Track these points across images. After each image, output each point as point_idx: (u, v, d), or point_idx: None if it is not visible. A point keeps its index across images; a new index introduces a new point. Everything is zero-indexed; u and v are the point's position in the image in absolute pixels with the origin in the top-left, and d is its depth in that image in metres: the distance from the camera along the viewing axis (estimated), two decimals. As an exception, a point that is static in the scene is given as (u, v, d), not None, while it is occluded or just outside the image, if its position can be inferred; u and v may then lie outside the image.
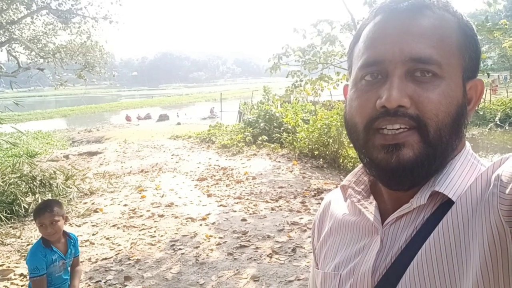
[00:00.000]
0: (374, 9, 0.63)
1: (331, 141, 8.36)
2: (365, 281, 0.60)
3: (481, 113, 15.90)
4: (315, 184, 6.79)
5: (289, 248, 4.06)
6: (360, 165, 0.70)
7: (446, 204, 0.57)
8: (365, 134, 0.60)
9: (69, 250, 2.50)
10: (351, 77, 0.64)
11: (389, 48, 0.57)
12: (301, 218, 4.91)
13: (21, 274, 3.75)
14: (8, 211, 5.33)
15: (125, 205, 5.91)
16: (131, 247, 4.34)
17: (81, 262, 4.03)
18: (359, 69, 0.61)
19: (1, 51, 10.02)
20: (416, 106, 0.56)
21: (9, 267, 3.91)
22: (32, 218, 5.38)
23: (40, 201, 5.65)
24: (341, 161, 8.40)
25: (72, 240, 2.53)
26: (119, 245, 4.44)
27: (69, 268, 2.52)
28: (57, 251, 2.42)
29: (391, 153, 0.57)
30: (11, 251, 4.33)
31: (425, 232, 0.56)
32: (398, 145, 0.57)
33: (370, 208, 0.66)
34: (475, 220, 0.52)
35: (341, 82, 8.60)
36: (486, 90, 16.63)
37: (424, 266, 0.54)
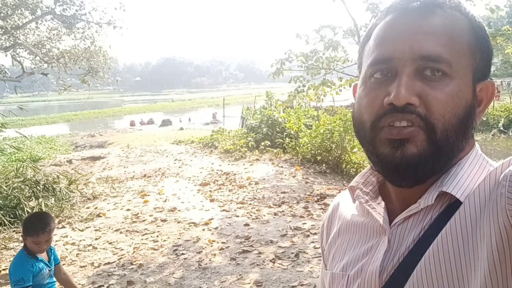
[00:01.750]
0: (385, 8, 0.63)
1: (334, 146, 8.35)
2: (373, 281, 0.60)
3: (484, 119, 15.84)
4: (318, 190, 6.77)
5: (292, 253, 4.04)
6: (369, 167, 0.70)
7: (454, 204, 0.57)
8: (371, 131, 0.60)
9: (51, 257, 2.50)
10: (360, 75, 0.65)
11: (399, 46, 0.57)
12: (304, 223, 4.89)
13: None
14: (12, 215, 5.33)
15: (128, 209, 5.91)
16: (134, 252, 4.34)
17: (84, 266, 4.03)
18: (368, 67, 0.61)
19: (6, 56, 10.09)
20: (424, 105, 0.56)
21: (12, 271, 3.91)
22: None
23: (43, 205, 5.67)
24: (344, 166, 8.38)
25: (51, 249, 2.52)
26: (122, 249, 4.43)
27: (53, 275, 2.52)
28: (42, 259, 2.41)
29: (396, 148, 0.57)
30: (14, 255, 4.33)
31: (433, 232, 0.56)
32: (403, 141, 0.57)
33: (378, 209, 0.66)
34: (483, 220, 0.52)
35: (344, 88, 8.60)
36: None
37: (432, 266, 0.54)
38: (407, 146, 0.57)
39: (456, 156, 0.60)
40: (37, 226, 2.36)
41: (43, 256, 2.42)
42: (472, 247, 0.52)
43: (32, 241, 2.34)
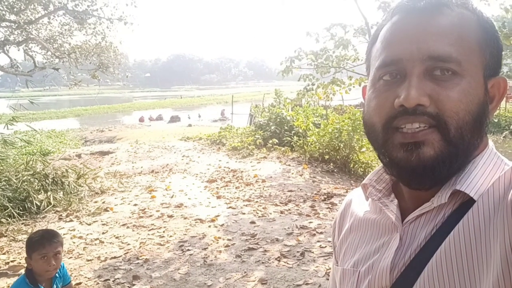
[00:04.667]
0: (391, 9, 0.62)
1: (342, 145, 8.31)
2: (383, 278, 0.60)
3: (496, 120, 15.63)
4: (325, 189, 6.74)
5: (297, 252, 4.03)
6: (382, 164, 0.70)
7: (467, 203, 0.56)
8: (384, 134, 0.59)
9: (54, 286, 2.24)
10: (369, 78, 0.64)
11: (407, 47, 0.57)
12: (310, 222, 4.88)
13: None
14: (21, 208, 5.40)
15: (135, 204, 5.94)
16: (140, 247, 4.36)
17: (91, 260, 4.07)
18: (377, 69, 0.60)
19: (18, 50, 10.21)
20: (435, 105, 0.55)
21: (20, 263, 3.97)
22: (43, 215, 5.46)
23: (51, 199, 5.73)
24: (351, 166, 8.34)
25: (57, 274, 2.25)
26: (128, 244, 4.46)
27: None
28: None
29: (410, 151, 0.56)
30: (22, 247, 4.38)
31: (445, 230, 0.56)
32: (418, 144, 0.56)
33: (390, 206, 0.65)
34: (497, 219, 0.51)
35: (353, 87, 8.56)
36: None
37: (443, 264, 0.54)
38: (423, 148, 0.56)
39: (471, 155, 0.59)
40: (43, 238, 2.16)
41: (45, 285, 2.18)
42: (485, 246, 0.51)
43: (38, 256, 2.11)
